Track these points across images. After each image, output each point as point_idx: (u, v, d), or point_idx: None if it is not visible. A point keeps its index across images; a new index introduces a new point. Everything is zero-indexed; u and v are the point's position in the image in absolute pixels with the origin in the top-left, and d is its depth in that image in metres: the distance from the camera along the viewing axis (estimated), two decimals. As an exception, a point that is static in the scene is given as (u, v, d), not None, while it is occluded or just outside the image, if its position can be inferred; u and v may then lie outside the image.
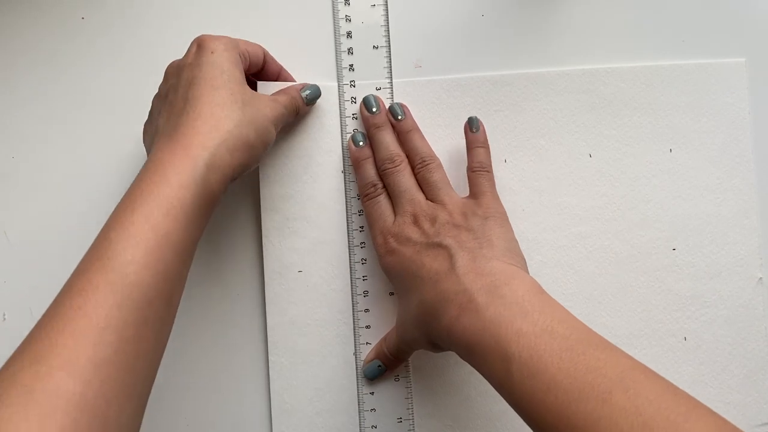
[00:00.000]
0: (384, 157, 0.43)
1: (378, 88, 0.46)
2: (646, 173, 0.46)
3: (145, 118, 0.42)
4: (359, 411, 0.45)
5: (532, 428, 0.32)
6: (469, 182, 0.43)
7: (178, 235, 0.33)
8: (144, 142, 0.41)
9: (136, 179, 0.35)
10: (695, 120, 0.46)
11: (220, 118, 0.37)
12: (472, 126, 0.44)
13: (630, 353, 0.32)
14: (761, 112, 0.47)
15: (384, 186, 0.44)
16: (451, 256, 0.38)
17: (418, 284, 0.39)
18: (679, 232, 0.46)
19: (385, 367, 0.44)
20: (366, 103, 0.45)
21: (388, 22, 0.46)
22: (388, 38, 0.46)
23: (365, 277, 0.45)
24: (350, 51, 0.46)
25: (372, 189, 0.44)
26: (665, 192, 0.46)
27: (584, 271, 0.46)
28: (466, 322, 0.35)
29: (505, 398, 0.33)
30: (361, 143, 0.44)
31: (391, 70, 0.46)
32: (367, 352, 0.45)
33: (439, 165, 0.44)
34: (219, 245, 0.46)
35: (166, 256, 0.32)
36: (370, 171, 0.44)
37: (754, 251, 0.46)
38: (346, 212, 0.46)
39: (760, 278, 0.46)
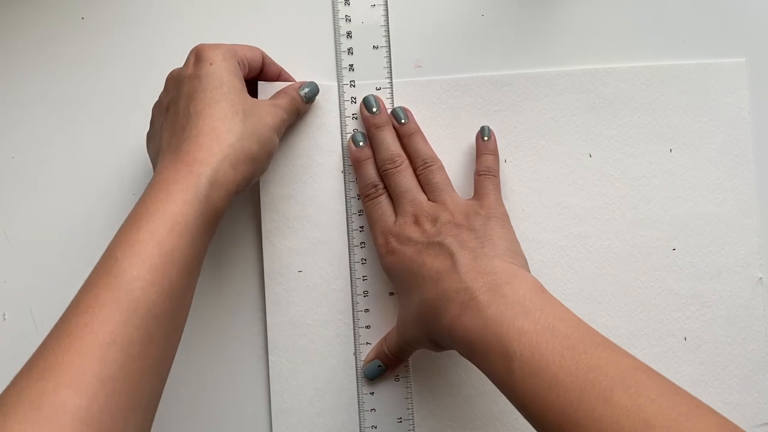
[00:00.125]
0: (385, 158, 0.43)
1: (378, 88, 0.46)
2: (646, 173, 0.46)
3: (146, 118, 0.42)
4: (359, 411, 0.45)
5: (533, 426, 0.32)
6: (475, 185, 0.44)
7: (183, 252, 0.33)
8: (148, 151, 0.41)
9: (141, 197, 0.35)
10: (695, 120, 0.46)
11: (222, 133, 0.37)
12: (483, 134, 0.45)
13: (630, 353, 0.32)
14: (761, 112, 0.47)
15: (385, 186, 0.44)
16: (452, 255, 0.38)
17: (419, 283, 0.38)
18: (679, 232, 0.46)
19: (385, 367, 0.44)
20: (366, 103, 0.45)
21: (388, 22, 0.46)
22: (388, 38, 0.46)
23: (365, 277, 0.45)
24: (350, 51, 0.46)
25: (373, 189, 0.44)
26: (665, 192, 0.46)
27: (584, 271, 0.46)
28: (467, 320, 0.35)
29: (506, 396, 0.33)
30: (361, 143, 0.44)
31: (391, 70, 0.46)
32: (367, 352, 0.45)
33: (442, 167, 0.44)
34: (219, 245, 0.46)
35: (172, 273, 0.33)
36: (370, 171, 0.44)
37: (754, 251, 0.46)
38: (346, 212, 0.46)
39: (760, 278, 0.46)
